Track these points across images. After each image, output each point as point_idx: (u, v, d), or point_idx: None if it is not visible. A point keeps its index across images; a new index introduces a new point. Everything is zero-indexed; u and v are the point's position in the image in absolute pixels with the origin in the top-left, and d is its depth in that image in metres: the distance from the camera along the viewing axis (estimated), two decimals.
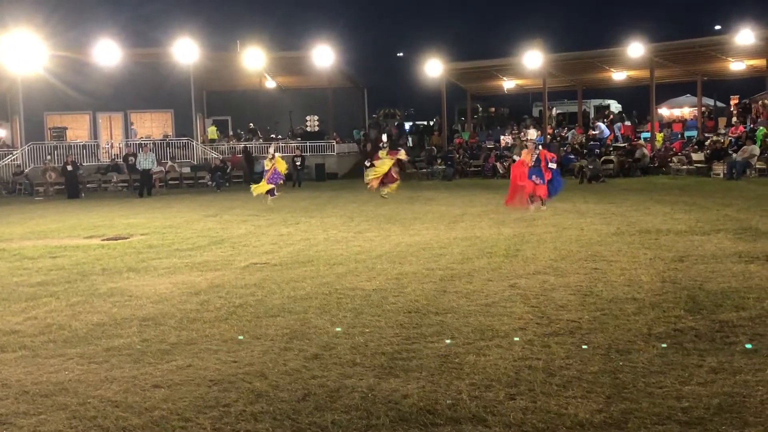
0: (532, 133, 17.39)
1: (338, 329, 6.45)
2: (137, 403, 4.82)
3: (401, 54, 65.83)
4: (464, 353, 5.65)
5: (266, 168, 20.42)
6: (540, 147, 16.82)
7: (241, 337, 6.31)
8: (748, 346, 5.64)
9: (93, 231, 15.19)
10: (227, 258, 10.92)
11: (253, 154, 33.59)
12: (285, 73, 39.53)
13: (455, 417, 4.45)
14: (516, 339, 5.99)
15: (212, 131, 38.80)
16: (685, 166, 28.42)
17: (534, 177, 15.76)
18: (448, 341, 5.99)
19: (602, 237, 11.68)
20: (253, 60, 33.99)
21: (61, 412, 4.71)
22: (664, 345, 5.70)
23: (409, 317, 6.85)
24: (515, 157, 29.72)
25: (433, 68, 36.03)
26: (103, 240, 13.63)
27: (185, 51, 32.37)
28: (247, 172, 32.06)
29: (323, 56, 34.41)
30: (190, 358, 5.77)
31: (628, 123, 36.83)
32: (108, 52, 31.87)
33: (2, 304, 8.00)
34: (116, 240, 13.55)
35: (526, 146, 16.77)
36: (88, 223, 17.03)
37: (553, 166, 16.21)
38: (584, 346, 5.72)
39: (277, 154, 21.07)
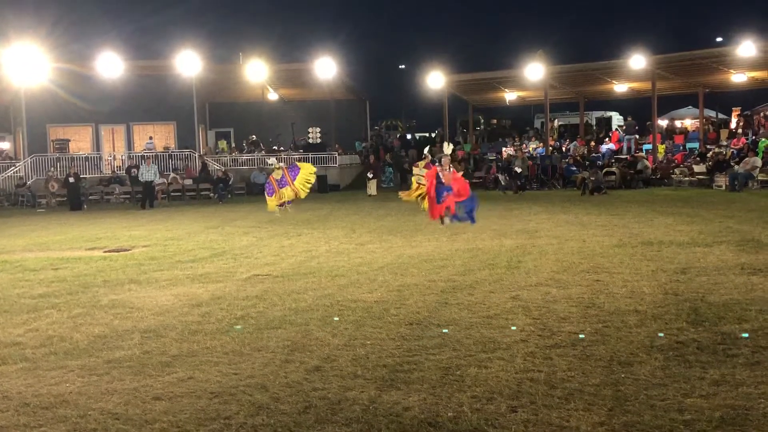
0: (447, 148, 15.69)
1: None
2: (138, 415, 4.81)
3: (403, 66, 66.13)
4: (466, 365, 5.64)
5: (277, 177, 20.22)
6: (450, 169, 14.84)
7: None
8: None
9: (95, 243, 15.19)
10: (229, 270, 10.92)
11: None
12: (287, 85, 39.63)
13: (457, 430, 4.44)
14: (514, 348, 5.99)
15: (222, 144, 39.03)
16: (687, 178, 28.41)
17: (445, 195, 14.25)
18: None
19: (604, 249, 11.67)
20: (256, 72, 34.07)
21: (62, 424, 4.70)
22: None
23: (410, 329, 6.83)
24: (516, 169, 29.96)
25: (435, 80, 36.10)
26: (105, 252, 13.64)
27: (188, 63, 32.45)
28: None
29: (325, 68, 34.50)
30: (191, 370, 5.76)
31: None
32: (111, 65, 31.95)
33: (4, 315, 8.00)
34: (118, 252, 13.55)
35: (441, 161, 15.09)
36: (90, 234, 17.04)
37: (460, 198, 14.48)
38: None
39: (281, 164, 20.94)
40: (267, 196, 20.14)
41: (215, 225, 18.46)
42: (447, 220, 14.46)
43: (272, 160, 22.05)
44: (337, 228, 16.61)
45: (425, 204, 15.67)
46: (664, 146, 33.91)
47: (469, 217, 14.42)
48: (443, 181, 14.29)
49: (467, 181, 15.34)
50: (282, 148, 37.77)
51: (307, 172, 20.24)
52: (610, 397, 4.87)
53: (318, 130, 38.67)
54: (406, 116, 59.93)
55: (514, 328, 6.72)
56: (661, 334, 5.87)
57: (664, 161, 31.63)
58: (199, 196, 31.81)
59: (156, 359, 6.08)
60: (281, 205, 19.87)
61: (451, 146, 16.01)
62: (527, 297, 8.11)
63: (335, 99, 38.16)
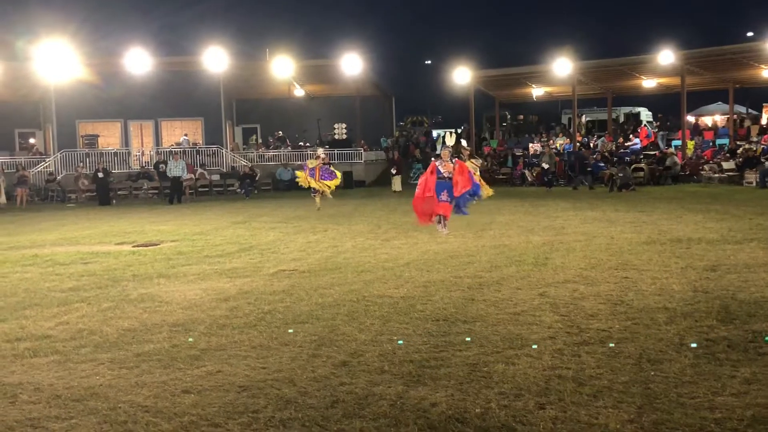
0: (450, 139, 14.99)
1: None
2: (167, 408, 4.85)
3: (429, 62, 66.02)
4: (493, 362, 5.62)
5: (311, 166, 20.42)
6: (455, 159, 14.21)
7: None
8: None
9: (124, 237, 15.34)
10: (256, 265, 10.97)
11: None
12: (313, 81, 39.72)
13: (484, 426, 4.43)
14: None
15: (253, 139, 39.33)
16: (716, 175, 28.07)
17: (444, 194, 13.52)
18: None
19: (633, 246, 11.57)
20: (282, 68, 34.20)
21: (92, 416, 4.75)
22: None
23: (437, 325, 6.83)
24: (544, 165, 29.78)
25: (462, 76, 35.98)
26: (134, 246, 13.76)
27: (215, 59, 32.68)
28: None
29: (351, 64, 34.54)
30: (220, 363, 5.79)
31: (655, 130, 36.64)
32: (139, 61, 32.28)
33: (35, 309, 8.10)
34: (147, 246, 13.67)
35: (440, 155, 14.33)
36: (119, 229, 17.21)
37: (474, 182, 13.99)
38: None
39: (322, 155, 21.24)
40: (306, 175, 20.23)
41: (242, 220, 18.56)
42: (445, 230, 13.61)
43: (320, 151, 22.24)
44: (363, 224, 16.62)
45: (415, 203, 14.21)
46: (693, 142, 33.54)
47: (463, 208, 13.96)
48: (443, 174, 13.58)
49: (470, 170, 14.26)
50: (308, 144, 37.89)
51: (334, 183, 20.62)
52: (639, 395, 4.83)
53: (344, 126, 38.73)
54: (431, 112, 59.86)
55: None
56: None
57: (694, 157, 31.27)
58: (226, 192, 32.02)
59: (185, 353, 6.13)
60: (314, 192, 20.16)
61: (454, 137, 15.02)
62: (555, 294, 8.06)
63: (361, 95, 38.17)
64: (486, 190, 15.42)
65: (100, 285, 9.52)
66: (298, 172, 20.56)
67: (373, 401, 4.87)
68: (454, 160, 13.94)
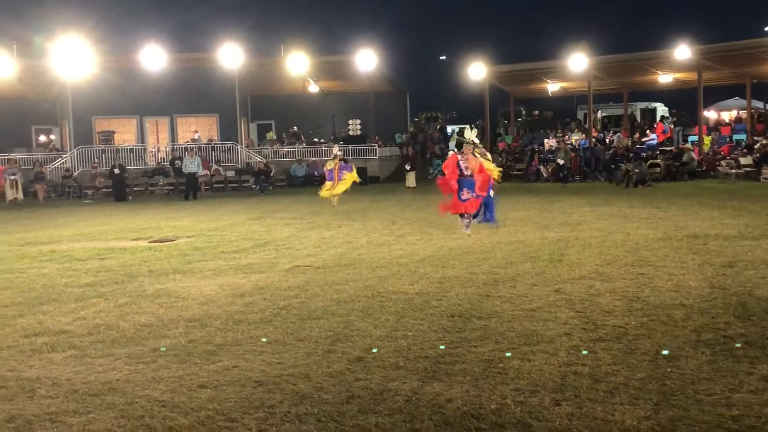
0: (471, 133, 13.46)
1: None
2: (184, 403, 4.88)
3: (444, 57, 65.85)
4: (509, 358, 5.61)
5: (329, 168, 20.80)
6: (479, 157, 13.22)
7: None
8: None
9: (140, 233, 15.42)
10: (271, 261, 11.01)
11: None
12: (328, 77, 39.73)
13: (500, 422, 4.42)
14: (558, 341, 5.94)
15: (271, 135, 39.39)
16: (733, 170, 27.88)
17: (465, 192, 12.89)
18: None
19: (649, 242, 11.52)
20: (297, 64, 34.22)
21: (110, 411, 4.78)
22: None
23: (452, 321, 6.82)
24: (559, 161, 29.67)
25: (476, 71, 35.86)
26: (150, 242, 13.83)
27: (230, 56, 32.75)
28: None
29: (366, 60, 34.52)
30: (236, 359, 5.82)
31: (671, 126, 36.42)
32: (155, 57, 32.39)
33: (52, 304, 8.16)
34: (163, 242, 13.74)
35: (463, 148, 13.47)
36: (135, 225, 17.30)
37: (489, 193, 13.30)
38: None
39: (340, 153, 21.55)
40: (327, 181, 20.79)
41: (257, 216, 18.61)
42: (468, 230, 12.97)
43: (336, 149, 22.43)
44: (377, 220, 16.63)
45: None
46: (710, 138, 33.31)
47: (491, 218, 13.35)
48: (464, 171, 12.94)
49: (489, 174, 13.43)
50: (322, 141, 37.93)
51: (351, 179, 20.97)
52: (655, 392, 4.81)
53: (358, 122, 38.73)
54: (446, 108, 59.76)
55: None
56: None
57: (710, 153, 31.06)
58: (241, 188, 32.12)
59: (201, 348, 6.16)
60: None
61: (476, 131, 13.69)
62: (570, 290, 8.04)
63: (375, 91, 38.14)
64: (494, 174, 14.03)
65: (117, 281, 9.58)
66: (321, 193, 20.82)
67: (389, 397, 4.87)
68: (477, 157, 13.18)
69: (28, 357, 6.06)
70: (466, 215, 13.07)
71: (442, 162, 20.29)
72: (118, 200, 27.76)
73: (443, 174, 13.82)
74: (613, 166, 29.01)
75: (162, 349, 6.14)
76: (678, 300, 7.38)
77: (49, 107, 37.35)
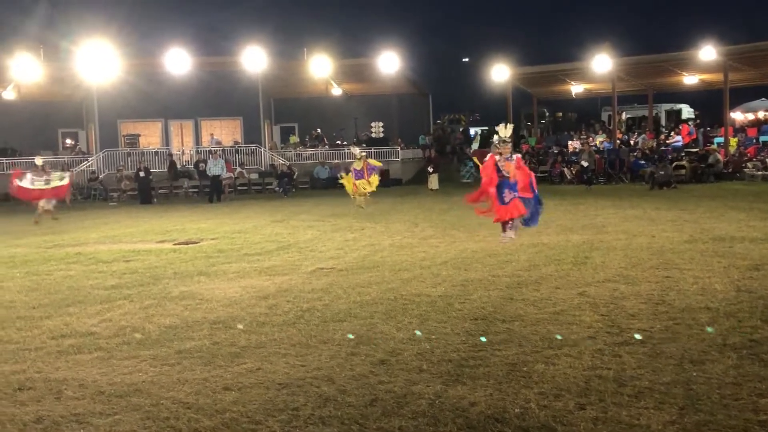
0: (506, 131, 12.55)
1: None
2: (208, 405, 4.91)
3: (467, 59, 65.78)
4: (532, 362, 5.59)
5: (357, 168, 21.03)
6: (513, 156, 12.48)
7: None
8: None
9: (165, 236, 15.55)
10: (294, 263, 11.05)
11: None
12: (350, 79, 39.84)
13: (524, 426, 4.41)
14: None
15: (294, 138, 39.60)
16: (760, 172, 27.56)
17: (507, 193, 12.05)
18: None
19: (674, 244, 11.42)
20: (320, 67, 34.37)
21: (135, 412, 4.82)
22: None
23: (475, 324, 6.80)
24: (583, 163, 29.48)
25: (500, 73, 35.77)
26: (175, 244, 13.94)
27: (254, 59, 32.96)
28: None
29: (388, 63, 34.58)
30: (260, 361, 5.85)
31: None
32: (179, 61, 32.67)
33: (78, 306, 8.25)
34: (187, 244, 13.84)
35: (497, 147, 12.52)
36: (160, 228, 17.44)
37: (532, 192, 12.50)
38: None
39: (363, 153, 21.72)
40: (355, 180, 21.06)
41: (280, 219, 18.68)
42: (511, 233, 12.24)
43: (356, 150, 22.54)
44: (400, 222, 16.63)
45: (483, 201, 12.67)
46: (736, 139, 32.96)
47: (533, 220, 12.67)
48: (504, 173, 12.13)
49: (532, 173, 12.89)
50: (345, 143, 38.04)
51: (375, 182, 21.34)
52: (681, 396, 4.77)
53: (381, 124, 38.80)
54: (469, 110, 59.66)
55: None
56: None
57: (737, 155, 30.73)
58: (265, 190, 32.27)
59: (225, 350, 6.19)
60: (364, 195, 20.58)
61: (511, 127, 12.77)
62: (595, 293, 7.99)
63: (398, 93, 38.20)
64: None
65: (142, 282, 9.66)
66: (347, 186, 21.01)
67: (412, 400, 4.87)
68: (514, 157, 12.47)
69: (55, 359, 6.13)
70: (510, 221, 12.23)
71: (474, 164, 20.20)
72: (143, 203, 28.02)
73: (479, 176, 13.02)
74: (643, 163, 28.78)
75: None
76: (704, 303, 7.31)
77: (75, 110, 37.81)
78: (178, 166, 34.24)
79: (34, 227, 18.34)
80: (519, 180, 12.19)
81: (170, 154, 33.22)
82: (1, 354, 6.31)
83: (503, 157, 12.24)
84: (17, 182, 20.06)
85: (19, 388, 5.37)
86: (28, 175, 20.18)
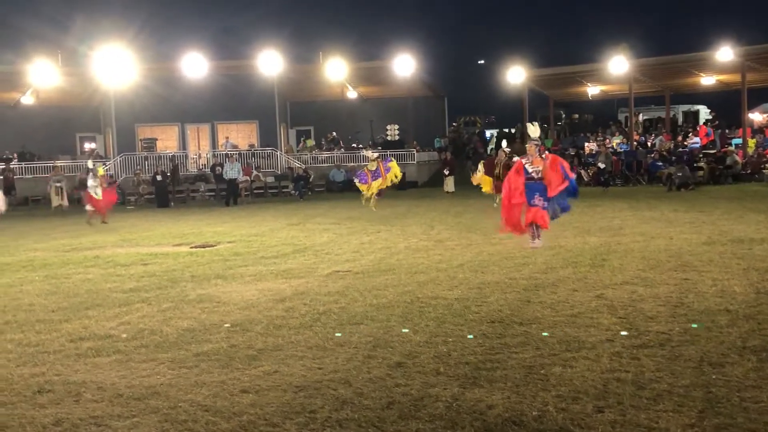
0: (534, 130, 12.39)
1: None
2: (226, 407, 4.93)
3: (482, 61, 65.71)
4: (550, 364, 5.57)
5: (372, 169, 21.04)
6: (545, 153, 12.04)
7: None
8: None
9: (182, 239, 15.62)
10: (311, 266, 11.06)
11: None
12: (366, 83, 39.88)
13: (542, 429, 4.39)
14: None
15: (310, 142, 39.69)
16: None
17: (536, 198, 11.78)
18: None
19: (692, 246, 11.34)
20: (335, 71, 34.43)
21: (153, 415, 4.85)
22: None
23: (492, 327, 6.79)
24: (600, 165, 29.34)
25: (515, 75, 35.66)
26: (192, 248, 14.00)
27: (270, 63, 33.06)
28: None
29: (404, 65, 34.58)
30: (277, 364, 5.86)
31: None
32: (195, 65, 32.83)
33: (97, 309, 8.30)
34: (204, 248, 13.89)
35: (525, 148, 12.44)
36: (177, 231, 17.52)
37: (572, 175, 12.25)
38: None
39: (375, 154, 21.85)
40: (361, 184, 21.04)
41: (296, 222, 18.72)
42: (539, 241, 11.89)
43: (369, 152, 22.61)
44: (416, 225, 16.62)
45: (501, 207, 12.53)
46: (754, 140, 32.68)
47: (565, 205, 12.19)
48: (533, 174, 11.84)
49: (564, 161, 12.48)
50: (360, 146, 38.06)
51: (394, 172, 21.20)
52: (700, 399, 4.74)
53: (396, 127, 38.79)
54: (484, 112, 59.55)
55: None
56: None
57: (755, 156, 30.47)
58: (281, 194, 32.35)
59: (243, 353, 6.21)
60: (378, 194, 20.59)
61: (537, 127, 12.61)
62: (612, 296, 7.95)
63: (413, 96, 38.16)
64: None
65: (160, 286, 9.71)
66: (363, 189, 21.09)
67: (429, 403, 4.87)
68: (544, 155, 12.11)
69: (74, 361, 6.17)
70: (535, 225, 11.95)
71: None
72: (161, 206, 28.16)
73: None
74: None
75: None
76: (723, 306, 7.26)
77: (93, 115, 38.04)
78: (195, 170, 34.36)
79: (52, 231, 18.50)
80: (552, 181, 11.83)
81: (172, 158, 33.27)
82: (21, 357, 6.36)
83: (530, 157, 12.01)
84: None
85: (38, 390, 5.42)
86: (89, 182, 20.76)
